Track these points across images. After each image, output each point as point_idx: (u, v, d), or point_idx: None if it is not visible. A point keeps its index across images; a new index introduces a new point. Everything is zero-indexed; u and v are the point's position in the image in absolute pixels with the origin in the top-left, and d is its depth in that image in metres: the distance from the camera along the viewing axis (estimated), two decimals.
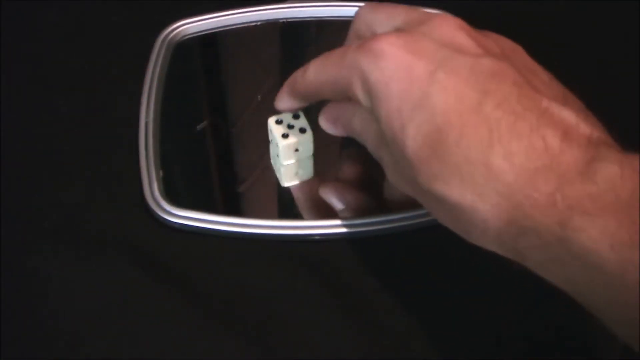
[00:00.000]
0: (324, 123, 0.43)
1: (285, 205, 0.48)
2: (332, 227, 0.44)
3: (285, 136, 0.44)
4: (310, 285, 0.42)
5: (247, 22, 0.55)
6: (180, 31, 0.54)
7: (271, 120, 0.45)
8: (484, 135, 0.32)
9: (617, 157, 0.30)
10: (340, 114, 0.42)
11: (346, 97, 0.39)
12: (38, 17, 0.56)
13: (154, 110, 0.49)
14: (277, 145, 0.45)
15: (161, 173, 0.46)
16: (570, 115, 0.32)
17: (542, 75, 0.36)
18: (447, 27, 0.36)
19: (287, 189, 0.48)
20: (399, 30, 0.37)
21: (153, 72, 0.52)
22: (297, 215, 0.47)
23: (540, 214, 0.31)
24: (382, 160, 0.39)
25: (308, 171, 0.47)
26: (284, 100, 0.44)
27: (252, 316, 0.41)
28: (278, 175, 0.47)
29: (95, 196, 0.47)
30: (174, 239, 0.45)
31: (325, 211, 0.45)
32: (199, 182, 0.50)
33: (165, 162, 0.47)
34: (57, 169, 0.48)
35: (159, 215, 0.45)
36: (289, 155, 0.45)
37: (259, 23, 0.55)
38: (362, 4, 0.55)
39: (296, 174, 0.46)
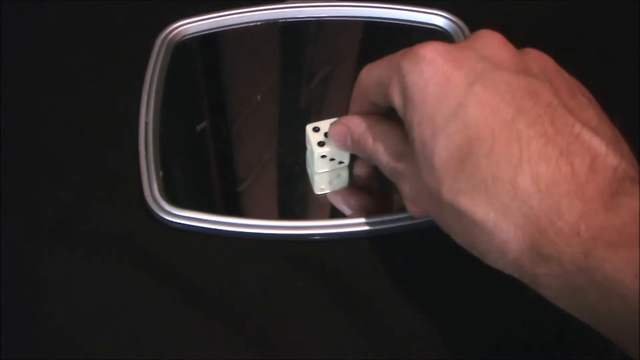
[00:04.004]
0: (333, 136, 0.43)
1: (285, 205, 0.48)
2: (332, 227, 0.44)
3: (321, 144, 0.44)
4: (310, 285, 0.42)
5: (247, 22, 0.55)
6: (180, 31, 0.54)
7: (309, 128, 0.45)
8: (514, 153, 0.32)
9: (639, 193, 0.31)
10: (353, 128, 0.42)
11: (388, 100, 0.38)
12: (38, 17, 0.56)
13: (153, 110, 0.49)
14: (312, 152, 0.44)
15: (161, 173, 0.46)
16: (601, 144, 0.32)
17: (581, 98, 0.35)
18: (490, 41, 0.36)
19: (287, 190, 0.48)
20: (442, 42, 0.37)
21: (153, 72, 0.52)
22: (297, 215, 0.47)
23: (564, 242, 0.30)
24: (400, 175, 0.39)
25: (343, 180, 0.47)
26: (351, 103, 0.44)
27: (252, 316, 0.41)
28: (311, 182, 0.47)
29: (95, 196, 0.47)
30: (174, 239, 0.45)
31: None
32: (199, 182, 0.49)
33: (165, 162, 0.47)
34: (57, 169, 0.48)
35: (159, 215, 0.45)
36: (323, 163, 0.45)
37: (258, 23, 0.55)
38: (362, 4, 0.55)
39: (330, 182, 0.46)
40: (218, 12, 0.55)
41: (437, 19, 0.54)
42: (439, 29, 0.54)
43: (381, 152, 0.40)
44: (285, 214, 0.47)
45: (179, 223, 0.45)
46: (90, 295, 0.42)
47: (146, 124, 0.49)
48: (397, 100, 0.37)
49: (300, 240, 0.45)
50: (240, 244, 0.44)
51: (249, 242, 0.44)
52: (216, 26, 0.55)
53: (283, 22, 0.56)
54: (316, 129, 0.44)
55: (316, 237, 0.44)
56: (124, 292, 0.42)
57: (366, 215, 0.44)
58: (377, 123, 0.41)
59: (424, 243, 0.44)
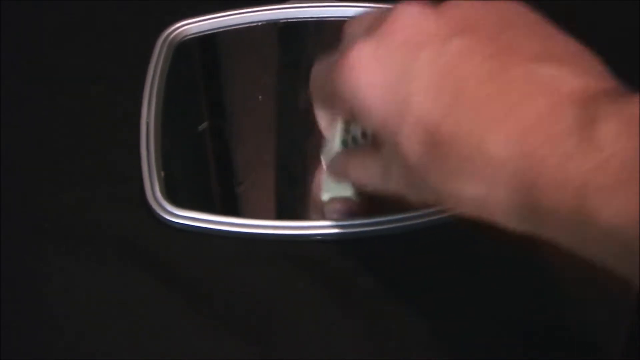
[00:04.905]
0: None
1: (285, 205, 0.48)
2: (332, 227, 0.44)
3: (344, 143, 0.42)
4: (310, 285, 0.42)
5: (247, 23, 0.55)
6: (181, 31, 0.54)
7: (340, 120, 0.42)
8: (473, 127, 0.30)
9: (614, 110, 0.28)
10: (347, 171, 0.41)
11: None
12: (38, 17, 0.56)
13: (155, 110, 0.49)
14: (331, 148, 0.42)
15: (162, 173, 0.46)
16: (555, 71, 0.30)
17: (518, 28, 0.33)
18: (406, 19, 0.34)
19: (288, 190, 0.48)
20: (363, 37, 0.35)
21: (154, 73, 0.52)
22: (297, 215, 0.47)
23: (555, 198, 0.28)
24: (395, 183, 0.36)
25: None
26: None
27: (252, 316, 0.41)
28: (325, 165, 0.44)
29: (96, 196, 0.47)
30: (175, 239, 0.45)
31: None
32: (200, 182, 0.50)
33: (166, 162, 0.47)
34: (58, 169, 0.48)
35: (160, 216, 0.45)
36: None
37: (259, 23, 0.55)
38: (362, 4, 0.55)
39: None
40: (219, 13, 0.55)
41: None
42: None
43: (372, 178, 0.38)
44: (285, 214, 0.47)
45: (180, 223, 0.45)
46: (91, 295, 0.42)
47: (147, 124, 0.49)
48: (356, 119, 0.37)
49: (300, 240, 0.44)
50: (240, 244, 0.44)
51: (249, 242, 0.44)
52: (217, 26, 0.55)
53: (284, 22, 0.56)
54: (347, 125, 0.41)
55: (316, 237, 0.44)
56: (125, 292, 0.42)
57: (366, 216, 0.44)
58: (354, 157, 0.40)
59: (424, 243, 0.43)
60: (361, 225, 0.44)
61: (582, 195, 0.27)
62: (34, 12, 0.56)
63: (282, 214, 0.47)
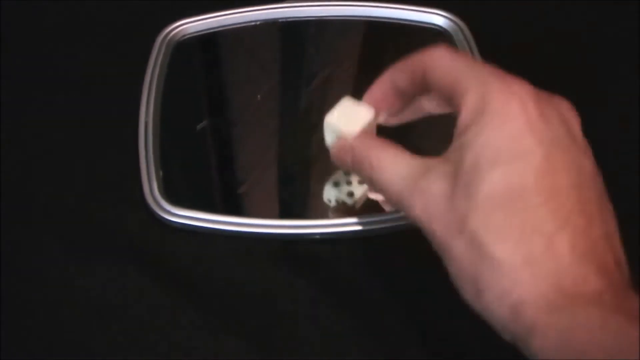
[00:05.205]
0: (334, 154, 0.41)
1: (285, 204, 0.48)
2: (332, 227, 0.44)
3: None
4: (311, 285, 0.42)
5: (246, 22, 0.55)
6: (180, 31, 0.54)
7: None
8: (561, 217, 0.32)
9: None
10: (357, 145, 0.39)
11: (434, 93, 0.38)
12: (38, 17, 0.56)
13: (153, 109, 0.49)
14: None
15: (161, 173, 0.46)
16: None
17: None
18: (569, 112, 0.36)
19: (287, 189, 0.48)
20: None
21: (153, 72, 0.52)
22: (297, 215, 0.47)
23: (583, 304, 0.31)
24: (411, 192, 0.36)
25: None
26: (378, 81, 0.41)
27: (252, 316, 0.41)
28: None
29: (95, 196, 0.47)
30: (174, 239, 0.45)
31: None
32: (199, 182, 0.49)
33: (165, 161, 0.47)
34: (57, 168, 0.48)
35: (159, 215, 0.45)
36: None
37: (258, 23, 0.56)
38: (361, 3, 0.55)
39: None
40: (218, 12, 0.55)
41: (437, 18, 0.54)
42: (439, 28, 0.54)
43: (388, 171, 0.37)
44: (285, 213, 0.47)
45: (179, 222, 0.45)
46: (90, 295, 0.42)
47: (146, 123, 0.49)
48: (467, 104, 0.35)
49: (300, 240, 0.45)
50: (240, 243, 0.44)
51: (249, 241, 0.44)
52: (216, 26, 0.55)
53: (283, 21, 0.56)
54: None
55: (316, 237, 0.44)
56: (124, 292, 0.42)
57: (366, 215, 0.44)
58: (385, 144, 0.38)
59: (425, 242, 0.43)
60: (361, 224, 0.44)
61: (613, 315, 0.30)
62: (34, 12, 0.56)
63: (282, 213, 0.47)
